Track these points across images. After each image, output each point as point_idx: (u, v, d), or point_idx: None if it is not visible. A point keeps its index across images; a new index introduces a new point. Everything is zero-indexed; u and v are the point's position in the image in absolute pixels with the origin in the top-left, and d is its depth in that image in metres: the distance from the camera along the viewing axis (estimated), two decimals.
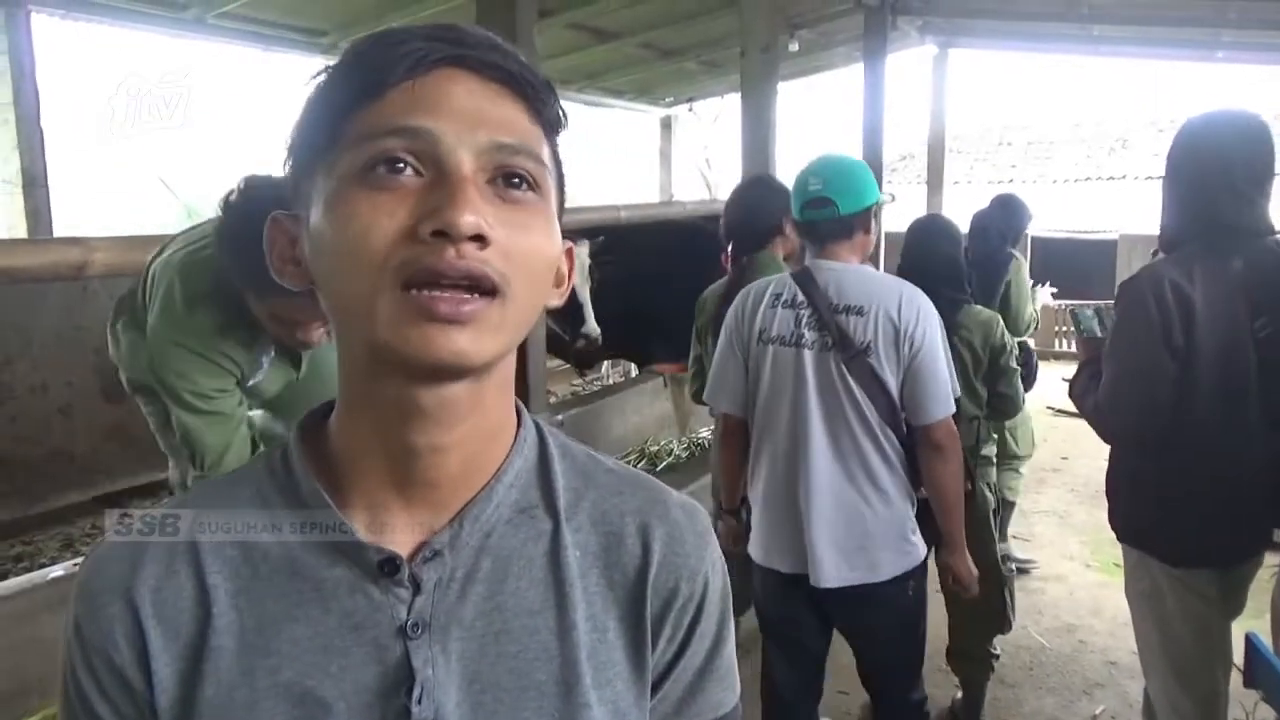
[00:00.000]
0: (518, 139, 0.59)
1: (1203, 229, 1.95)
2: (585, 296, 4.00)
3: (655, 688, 0.69)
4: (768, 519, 2.18)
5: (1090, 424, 2.11)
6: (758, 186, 2.95)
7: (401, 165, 0.57)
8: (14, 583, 1.83)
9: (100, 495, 4.63)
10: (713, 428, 4.27)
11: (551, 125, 0.64)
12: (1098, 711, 3.06)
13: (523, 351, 2.53)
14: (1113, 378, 1.99)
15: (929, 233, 3.00)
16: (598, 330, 4.01)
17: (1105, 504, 2.18)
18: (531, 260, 0.59)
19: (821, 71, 9.90)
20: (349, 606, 0.62)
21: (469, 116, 0.58)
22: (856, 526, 2.07)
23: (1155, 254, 2.11)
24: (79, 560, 2.28)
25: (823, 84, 11.34)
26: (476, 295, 0.56)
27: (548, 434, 0.72)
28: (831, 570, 2.07)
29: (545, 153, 0.62)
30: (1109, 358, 2.01)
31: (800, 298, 2.11)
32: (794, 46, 7.51)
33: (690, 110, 11.94)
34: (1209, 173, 1.94)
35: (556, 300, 0.67)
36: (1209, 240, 1.95)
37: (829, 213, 2.12)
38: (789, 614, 2.24)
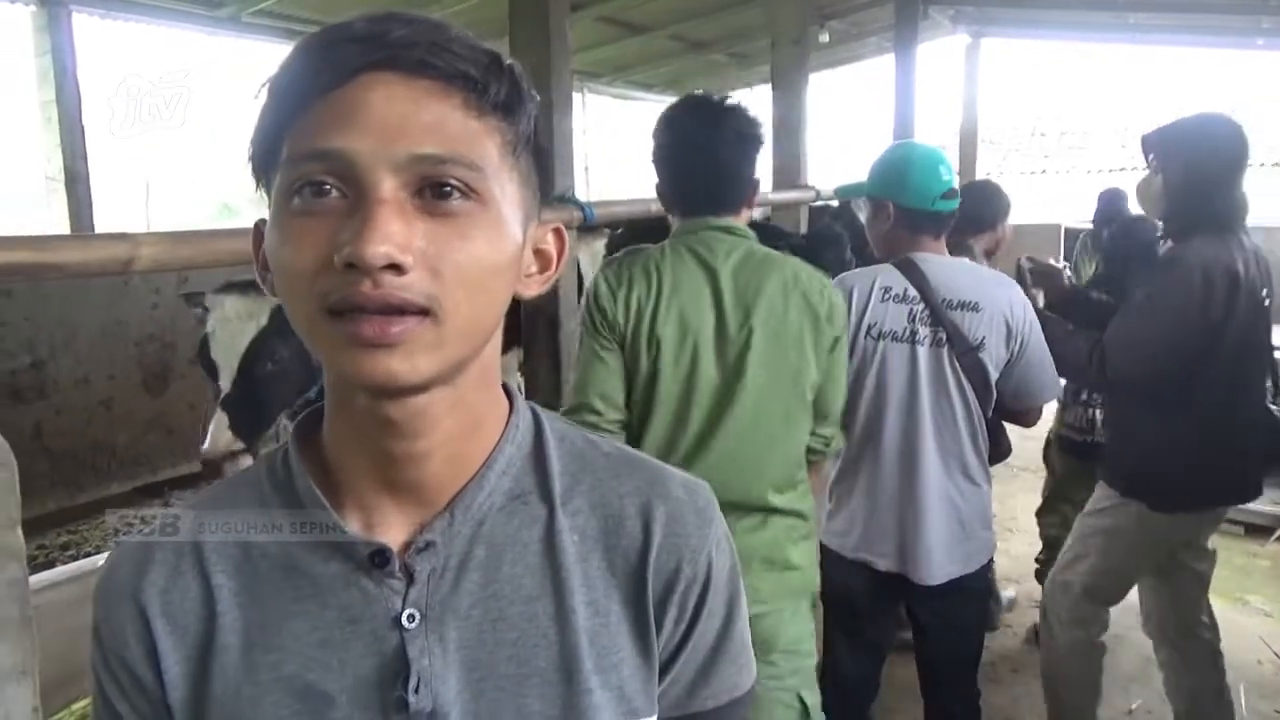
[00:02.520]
0: (444, 147, 0.55)
1: (1223, 214, 2.16)
2: None
3: (665, 670, 0.69)
4: (867, 514, 2.12)
5: (1069, 359, 2.23)
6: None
7: (325, 188, 0.55)
8: (61, 570, 1.88)
9: (141, 486, 4.73)
10: None
11: (505, 107, 0.59)
12: (1133, 706, 3.03)
13: (554, 351, 2.55)
14: (1134, 328, 2.16)
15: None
16: None
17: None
18: (468, 272, 0.56)
19: (852, 62, 9.84)
20: (345, 601, 0.63)
21: (389, 129, 0.54)
22: (955, 520, 2.06)
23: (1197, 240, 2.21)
24: None
25: (853, 75, 11.21)
26: (405, 315, 0.54)
27: (544, 420, 0.71)
28: (937, 567, 2.05)
29: (487, 150, 0.58)
30: (1142, 312, 2.16)
31: (912, 292, 2.05)
32: (824, 37, 7.47)
33: None
34: (1211, 167, 2.16)
35: (530, 291, 0.65)
36: (1229, 224, 2.16)
37: (957, 203, 2.12)
38: (868, 609, 2.21)
